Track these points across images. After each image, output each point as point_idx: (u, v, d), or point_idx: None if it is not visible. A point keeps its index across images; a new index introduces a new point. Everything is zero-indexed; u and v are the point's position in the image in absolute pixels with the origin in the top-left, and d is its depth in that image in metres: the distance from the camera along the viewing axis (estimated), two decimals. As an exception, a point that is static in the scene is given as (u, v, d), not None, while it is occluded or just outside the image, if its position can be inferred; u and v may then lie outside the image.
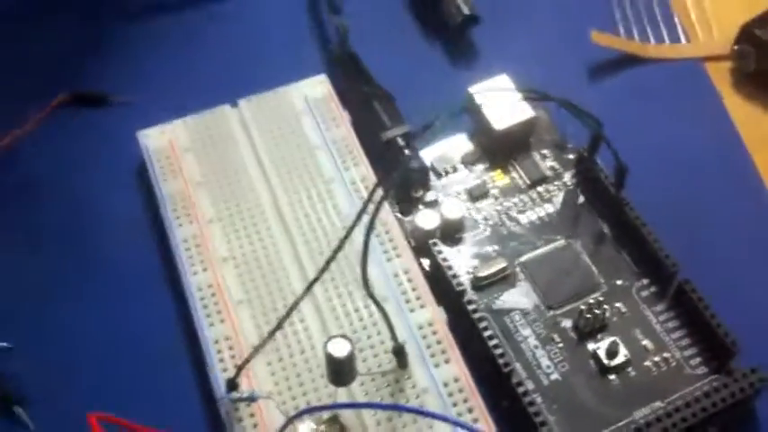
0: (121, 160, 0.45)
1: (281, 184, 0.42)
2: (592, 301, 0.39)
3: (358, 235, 0.35)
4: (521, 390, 0.36)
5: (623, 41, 0.49)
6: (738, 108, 0.47)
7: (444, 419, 0.34)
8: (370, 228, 0.32)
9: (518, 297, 0.40)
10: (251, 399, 0.35)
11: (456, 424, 0.34)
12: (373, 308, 0.38)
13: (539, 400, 0.37)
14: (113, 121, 0.46)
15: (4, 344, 0.39)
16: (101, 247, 0.42)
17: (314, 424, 0.35)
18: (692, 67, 0.49)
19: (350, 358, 0.33)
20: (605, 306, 0.39)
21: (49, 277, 0.41)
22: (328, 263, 0.33)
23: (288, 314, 0.34)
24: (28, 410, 0.37)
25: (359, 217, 0.33)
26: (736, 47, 0.48)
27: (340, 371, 0.34)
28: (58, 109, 0.46)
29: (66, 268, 0.42)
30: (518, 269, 0.41)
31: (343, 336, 0.33)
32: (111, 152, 0.45)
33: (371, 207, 0.32)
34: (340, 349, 0.33)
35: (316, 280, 0.34)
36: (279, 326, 0.34)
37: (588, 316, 0.38)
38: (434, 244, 0.40)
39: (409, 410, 0.35)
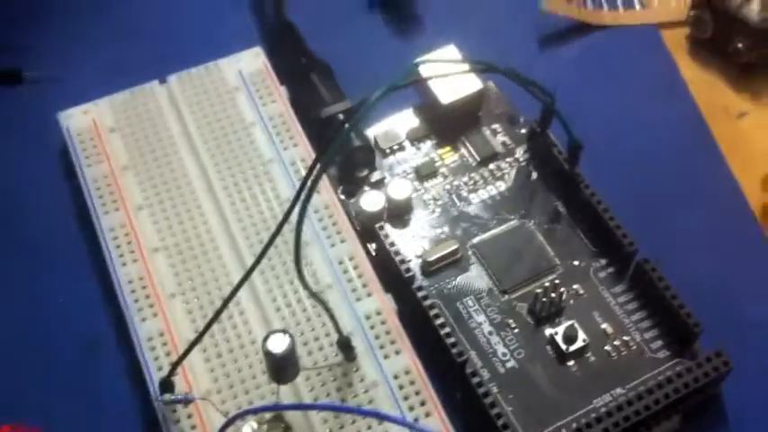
0: (41, 143, 0.42)
1: (214, 167, 0.39)
2: (547, 283, 0.37)
3: (296, 219, 0.32)
4: (475, 380, 0.34)
5: (576, 9, 0.47)
6: (695, 75, 0.45)
7: (395, 422, 0.31)
8: (304, 204, 0.29)
9: (470, 281, 0.38)
10: (186, 400, 0.32)
11: (405, 425, 0.32)
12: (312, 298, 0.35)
13: (495, 389, 0.35)
14: (30, 101, 0.43)
15: None
16: (21, 236, 0.40)
17: (255, 424, 0.32)
18: (647, 34, 0.47)
19: (290, 354, 0.31)
20: (562, 288, 0.37)
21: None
22: (265, 250, 0.31)
23: (224, 305, 0.31)
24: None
25: (297, 197, 0.30)
26: (692, 12, 0.46)
27: (281, 367, 0.31)
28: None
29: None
30: (470, 251, 0.39)
31: (283, 330, 0.31)
32: (30, 134, 0.42)
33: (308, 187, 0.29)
34: (279, 345, 0.30)
35: (253, 268, 0.31)
36: (215, 318, 0.32)
37: (544, 299, 0.37)
38: (381, 227, 0.38)
39: (352, 411, 0.32)
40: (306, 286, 0.31)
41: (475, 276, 0.38)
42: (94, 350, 0.36)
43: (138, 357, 0.35)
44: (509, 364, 0.36)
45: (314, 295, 0.32)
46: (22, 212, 0.40)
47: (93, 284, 0.38)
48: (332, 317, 0.33)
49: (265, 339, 0.30)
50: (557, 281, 0.37)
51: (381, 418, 0.32)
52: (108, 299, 0.37)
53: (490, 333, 0.36)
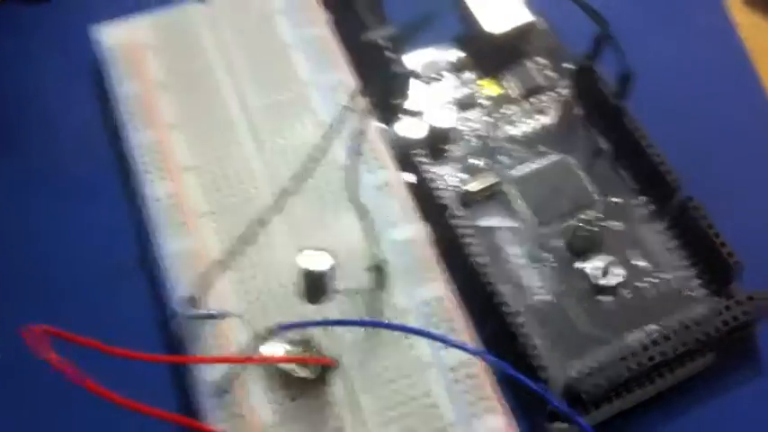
0: (74, 59, 0.41)
1: (251, 88, 0.39)
2: (586, 217, 0.36)
3: (335, 145, 0.32)
4: (508, 310, 0.33)
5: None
6: (743, 16, 0.44)
7: (428, 335, 0.31)
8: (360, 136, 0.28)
9: (508, 213, 0.37)
10: (213, 316, 0.32)
11: (438, 339, 0.31)
12: (349, 222, 0.35)
13: (526, 322, 0.34)
14: (64, 16, 0.42)
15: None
16: (50, 153, 0.39)
17: (286, 345, 0.32)
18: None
19: (329, 273, 0.30)
20: (601, 224, 0.36)
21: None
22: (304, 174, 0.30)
23: (258, 226, 0.31)
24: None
25: (337, 126, 0.29)
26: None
27: (316, 287, 0.31)
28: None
29: (13, 174, 0.39)
30: (509, 184, 0.38)
31: (323, 249, 0.30)
32: (62, 50, 0.41)
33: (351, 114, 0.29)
34: (319, 263, 0.30)
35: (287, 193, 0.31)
36: (245, 239, 0.31)
37: (582, 233, 0.36)
38: (419, 156, 0.37)
39: (391, 327, 0.32)
40: (356, 203, 0.30)
41: (513, 209, 0.37)
42: (122, 271, 0.36)
43: (165, 276, 0.34)
44: (543, 297, 0.35)
45: (361, 214, 0.31)
46: (55, 132, 0.40)
47: (124, 204, 0.37)
48: (372, 238, 0.32)
49: (303, 256, 0.30)
50: (596, 215, 0.36)
51: (411, 332, 0.31)
52: (138, 219, 0.37)
53: (525, 266, 0.36)
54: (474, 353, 0.31)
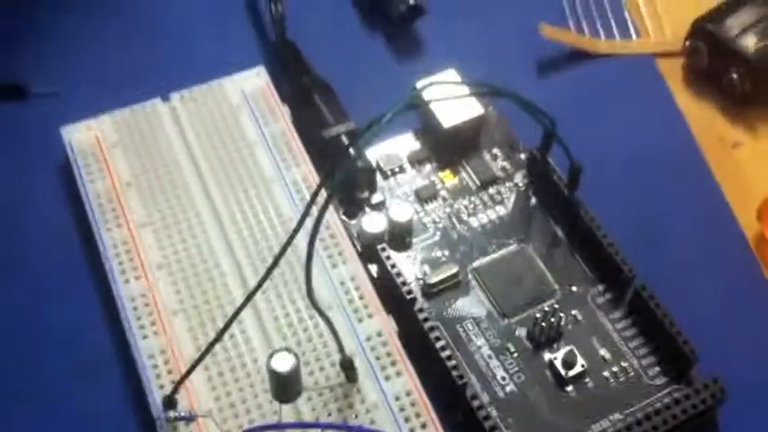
0: (43, 158, 0.42)
1: (217, 185, 0.39)
2: (547, 308, 0.37)
3: (301, 240, 0.32)
4: (476, 403, 0.34)
5: (573, 36, 0.47)
6: (690, 105, 0.46)
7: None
8: (315, 232, 0.29)
9: (470, 304, 0.38)
10: (190, 418, 0.32)
11: None
12: (318, 319, 0.36)
13: (494, 413, 0.35)
14: (33, 116, 0.43)
15: None
16: (22, 250, 0.39)
17: (258, 446, 0.32)
18: (643, 64, 0.47)
19: (294, 373, 0.31)
20: (561, 314, 0.37)
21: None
22: (269, 270, 0.31)
23: (228, 325, 0.31)
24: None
25: (302, 220, 0.30)
26: (687, 42, 0.46)
27: (284, 386, 0.31)
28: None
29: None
30: (470, 275, 0.39)
31: (287, 349, 0.31)
32: (32, 149, 0.42)
33: (315, 209, 0.30)
34: (284, 363, 0.30)
35: (257, 288, 0.31)
36: (218, 338, 0.32)
37: (543, 324, 0.37)
38: (382, 249, 0.38)
39: (356, 430, 0.32)
40: (315, 305, 0.31)
41: (475, 300, 0.38)
42: (94, 369, 0.36)
43: (139, 375, 0.34)
44: (508, 388, 0.36)
45: (321, 314, 0.32)
46: (23, 228, 0.40)
47: (95, 302, 0.38)
48: (336, 336, 0.33)
49: (270, 357, 0.30)
50: (556, 306, 0.37)
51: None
52: (109, 317, 0.37)
53: (489, 357, 0.37)
54: None
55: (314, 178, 0.40)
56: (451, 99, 0.39)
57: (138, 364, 0.35)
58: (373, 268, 0.39)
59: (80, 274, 0.39)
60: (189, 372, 0.32)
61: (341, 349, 0.33)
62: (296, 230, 0.30)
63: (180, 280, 0.37)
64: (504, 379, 0.36)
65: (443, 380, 0.35)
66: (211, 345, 0.32)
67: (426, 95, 0.40)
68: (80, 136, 0.41)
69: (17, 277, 0.39)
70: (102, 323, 0.37)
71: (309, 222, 0.30)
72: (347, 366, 0.34)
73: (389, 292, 0.37)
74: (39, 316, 0.38)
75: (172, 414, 0.32)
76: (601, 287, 0.39)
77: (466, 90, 0.42)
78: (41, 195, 0.41)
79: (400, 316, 0.37)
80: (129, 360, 0.35)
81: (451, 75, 0.42)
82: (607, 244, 0.38)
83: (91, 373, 0.36)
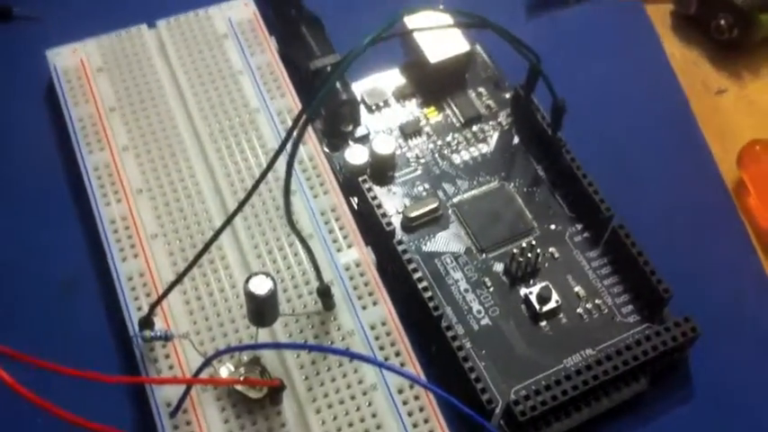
0: (28, 81, 0.41)
1: (200, 112, 0.39)
2: (524, 244, 0.38)
3: (281, 169, 0.32)
4: (450, 334, 0.35)
5: (563, -23, 0.47)
6: (677, 50, 0.46)
7: (370, 361, 0.32)
8: (293, 153, 0.29)
9: (449, 239, 0.38)
10: (165, 338, 0.32)
11: (381, 366, 0.33)
12: (297, 246, 0.36)
13: (468, 345, 0.35)
14: (18, 38, 0.43)
15: None
16: (5, 173, 0.39)
17: (233, 366, 0.33)
18: (631, 8, 0.47)
19: (271, 297, 0.31)
20: (538, 250, 0.37)
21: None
22: (249, 195, 0.31)
23: (206, 248, 0.31)
24: None
25: (282, 146, 0.30)
26: (676, -12, 0.46)
27: (261, 310, 0.31)
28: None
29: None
30: (450, 210, 0.39)
31: (266, 273, 0.31)
32: (16, 71, 0.42)
33: (295, 135, 0.30)
34: (261, 287, 0.31)
35: (236, 212, 0.31)
36: (196, 260, 0.32)
37: (520, 259, 0.37)
38: (364, 181, 0.38)
39: (332, 352, 0.33)
40: (294, 230, 0.31)
41: (454, 235, 0.38)
42: (73, 290, 0.36)
43: (117, 297, 0.35)
44: (483, 322, 0.36)
45: (300, 238, 0.32)
46: (6, 151, 0.40)
47: (76, 224, 0.38)
48: (315, 264, 0.33)
49: (247, 280, 0.31)
50: (533, 242, 0.38)
51: (355, 357, 0.33)
52: (90, 239, 0.37)
53: (466, 290, 0.37)
54: (411, 377, 0.32)
55: (298, 109, 0.40)
56: (435, 29, 0.39)
57: (117, 285, 0.35)
58: (354, 201, 0.39)
59: (62, 197, 0.39)
60: (166, 292, 0.32)
61: (319, 276, 0.34)
62: (276, 155, 0.30)
63: (161, 204, 0.37)
64: (479, 312, 0.37)
65: (419, 312, 0.35)
66: (189, 267, 0.32)
67: (413, 30, 0.40)
68: (65, 59, 0.40)
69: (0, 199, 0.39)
70: (83, 245, 0.37)
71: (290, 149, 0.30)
72: (324, 293, 0.34)
73: (369, 224, 0.38)
74: (21, 237, 0.38)
75: (148, 333, 0.32)
76: (579, 226, 0.39)
77: (454, 22, 0.41)
78: (25, 118, 0.41)
79: (379, 248, 0.37)
80: (109, 282, 0.35)
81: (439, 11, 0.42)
82: (587, 183, 0.38)
83: (70, 293, 0.36)
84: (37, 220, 0.38)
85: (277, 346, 0.33)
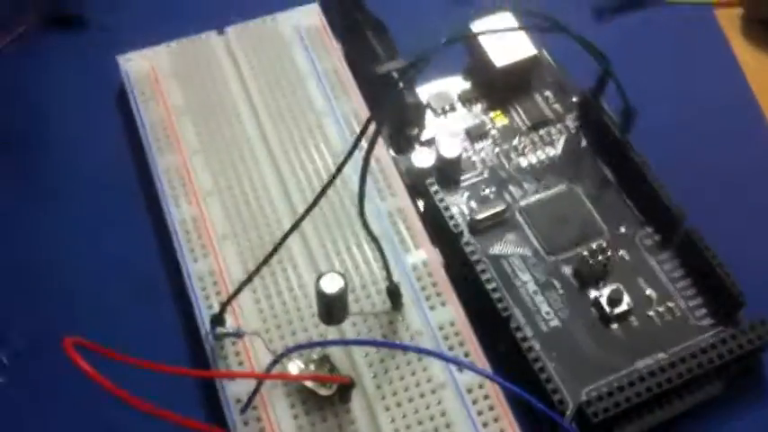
0: (99, 86, 0.42)
1: (269, 116, 0.40)
2: (594, 247, 0.37)
3: (349, 172, 0.33)
4: (519, 335, 0.34)
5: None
6: (747, 54, 0.45)
7: (441, 357, 0.32)
8: (368, 156, 0.29)
9: (517, 242, 0.38)
10: (237, 334, 0.33)
11: (453, 361, 0.33)
12: (365, 247, 0.36)
13: (537, 346, 0.35)
14: (90, 45, 0.44)
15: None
16: (78, 177, 0.40)
17: (302, 363, 0.33)
18: (701, 13, 0.47)
19: (342, 295, 0.31)
20: (608, 253, 0.37)
21: (23, 204, 0.39)
22: (319, 197, 0.31)
23: (276, 248, 0.32)
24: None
25: (351, 151, 0.30)
26: (747, -8, 0.46)
27: (331, 308, 0.32)
28: (31, 33, 0.44)
29: (38, 195, 0.40)
30: (517, 213, 0.39)
31: (336, 271, 0.31)
32: (88, 77, 0.43)
33: (364, 142, 0.30)
34: (332, 285, 0.31)
35: (306, 214, 0.31)
36: (266, 260, 0.32)
37: (590, 262, 0.37)
38: (431, 183, 0.38)
39: (403, 348, 0.33)
40: (366, 227, 0.31)
41: (521, 238, 0.38)
42: (145, 291, 0.37)
43: (189, 297, 0.35)
44: (552, 323, 0.36)
45: (373, 238, 0.32)
46: (80, 156, 0.41)
47: (148, 226, 0.38)
48: (385, 262, 0.33)
49: (318, 279, 0.31)
50: (603, 245, 0.37)
51: (425, 353, 0.32)
52: (161, 240, 0.38)
53: (535, 292, 0.37)
54: (487, 375, 0.32)
55: (364, 113, 0.40)
56: (500, 32, 0.39)
57: (188, 285, 0.35)
58: (421, 204, 0.39)
59: (134, 200, 0.39)
60: (237, 290, 0.32)
61: (388, 275, 0.34)
62: (345, 159, 0.30)
63: (231, 206, 0.37)
64: (548, 314, 0.36)
65: (487, 313, 0.35)
66: (260, 266, 0.32)
67: (479, 34, 0.40)
68: (136, 65, 0.41)
69: (73, 204, 0.39)
70: (155, 247, 0.38)
71: (358, 155, 0.30)
72: (393, 293, 0.34)
73: (436, 226, 0.38)
74: (95, 241, 0.38)
75: (220, 330, 0.33)
76: (649, 229, 0.38)
77: (519, 32, 0.41)
78: (97, 123, 0.41)
79: (446, 250, 0.37)
80: (181, 283, 0.36)
81: (507, 17, 0.42)
82: (658, 186, 0.38)
83: (144, 295, 0.37)
84: (109, 223, 0.39)
85: (348, 342, 0.33)
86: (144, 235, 0.38)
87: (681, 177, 0.39)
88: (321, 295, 0.31)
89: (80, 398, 0.32)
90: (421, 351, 0.33)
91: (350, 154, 0.30)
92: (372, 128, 0.30)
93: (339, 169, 0.30)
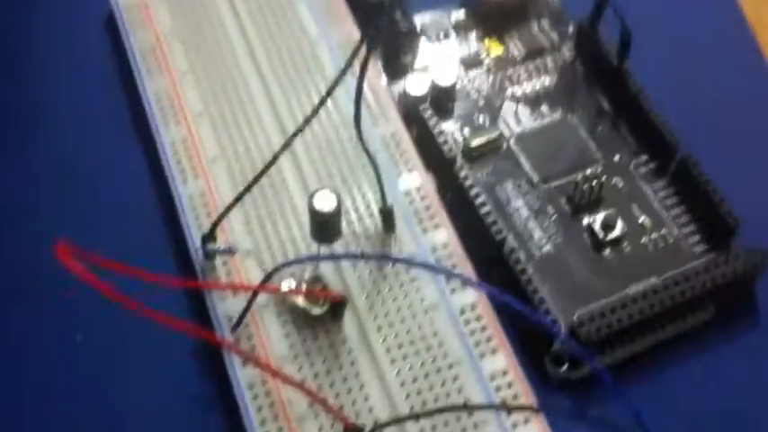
0: (86, 10, 0.41)
1: (259, 39, 0.39)
2: (588, 173, 0.37)
3: (343, 98, 0.34)
4: (513, 257, 0.34)
5: None
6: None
7: (432, 269, 0.32)
8: (364, 68, 0.29)
9: (510, 169, 0.38)
10: (229, 251, 0.32)
11: (443, 272, 0.33)
12: (358, 171, 0.36)
13: (530, 270, 0.35)
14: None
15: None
16: (67, 100, 0.39)
17: (295, 282, 0.32)
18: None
19: (336, 213, 0.31)
20: (603, 178, 0.37)
21: (9, 130, 0.39)
22: (311, 117, 0.30)
23: (268, 166, 0.31)
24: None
25: (344, 70, 0.29)
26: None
27: (325, 227, 0.31)
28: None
29: (34, 123, 0.39)
30: (512, 141, 0.39)
31: (330, 189, 0.31)
32: (78, 3, 0.42)
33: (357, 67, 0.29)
34: (326, 203, 0.30)
35: (298, 132, 0.31)
36: (258, 178, 0.31)
37: (584, 188, 0.36)
38: (424, 109, 0.38)
39: (398, 261, 0.33)
40: (363, 145, 0.31)
41: (515, 165, 0.38)
42: (133, 211, 0.36)
43: (178, 218, 0.35)
44: (545, 249, 0.36)
45: (369, 156, 0.31)
46: (67, 81, 0.40)
47: (138, 151, 0.38)
48: (380, 182, 0.32)
49: (312, 196, 0.30)
50: (598, 172, 0.37)
51: (418, 266, 0.33)
52: (150, 162, 0.37)
53: (527, 218, 0.36)
54: (477, 286, 0.32)
55: (359, 39, 0.39)
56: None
57: (178, 206, 0.35)
58: (414, 132, 0.38)
59: (124, 122, 0.39)
60: (229, 208, 0.32)
61: (382, 197, 0.33)
62: (338, 78, 0.29)
63: (221, 128, 0.37)
64: (541, 240, 0.36)
65: (481, 239, 0.35)
66: (251, 183, 0.32)
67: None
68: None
69: (63, 126, 0.39)
70: (145, 169, 0.37)
71: (351, 81, 0.30)
72: (387, 215, 0.34)
73: (430, 153, 0.37)
74: (84, 163, 0.38)
75: (212, 247, 0.32)
76: (644, 157, 0.38)
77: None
78: (86, 47, 0.41)
79: (440, 177, 0.37)
80: (170, 204, 0.35)
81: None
82: (654, 114, 0.38)
83: (133, 215, 0.36)
84: (97, 147, 0.38)
85: (340, 257, 0.33)
86: (134, 159, 0.38)
87: (676, 108, 0.38)
88: (314, 213, 0.31)
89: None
90: (411, 264, 0.32)
91: (343, 72, 0.29)
92: (364, 50, 0.29)
93: (331, 89, 0.30)
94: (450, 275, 0.32)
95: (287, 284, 0.32)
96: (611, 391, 0.31)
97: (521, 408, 0.31)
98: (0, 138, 0.38)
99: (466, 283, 0.32)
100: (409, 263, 0.32)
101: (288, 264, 0.31)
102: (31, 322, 0.34)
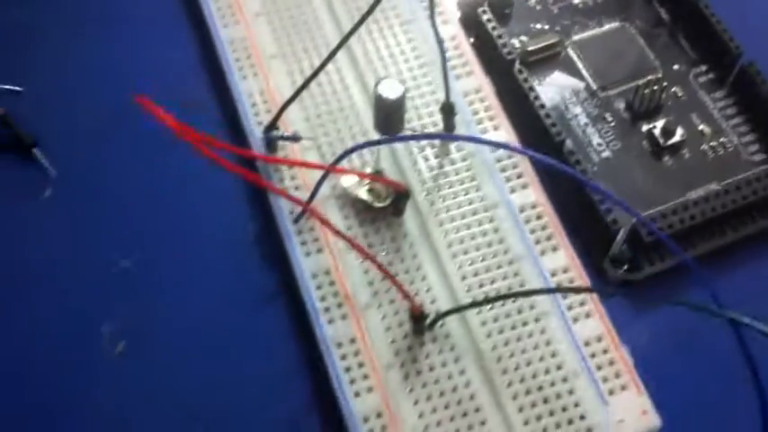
0: None
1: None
2: (647, 81, 0.37)
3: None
4: (572, 158, 0.34)
5: None
6: None
7: (491, 143, 0.33)
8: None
9: (568, 75, 0.37)
10: (294, 138, 0.32)
11: (494, 144, 0.33)
12: (415, 69, 0.35)
13: (590, 170, 0.35)
14: None
15: (14, 87, 0.36)
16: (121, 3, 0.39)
17: (356, 177, 0.32)
18: None
19: (401, 101, 0.30)
20: (663, 84, 0.36)
21: (78, 33, 0.38)
22: (369, 12, 0.30)
23: (327, 60, 0.31)
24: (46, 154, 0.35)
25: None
26: None
27: (389, 116, 0.31)
28: None
29: (95, 24, 0.39)
30: (569, 48, 0.38)
31: (396, 79, 0.30)
32: None
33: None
34: (392, 90, 0.30)
35: (355, 29, 0.31)
36: (317, 72, 0.31)
37: (644, 94, 0.36)
38: (483, 12, 0.37)
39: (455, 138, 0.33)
40: (435, 29, 0.31)
41: (573, 72, 0.37)
42: (193, 109, 0.36)
43: (238, 115, 0.35)
44: (604, 154, 0.35)
45: (439, 41, 0.31)
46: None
47: (195, 48, 0.38)
48: (445, 74, 0.32)
49: (377, 84, 0.30)
50: (657, 79, 0.37)
51: (477, 142, 0.33)
52: (208, 60, 0.37)
53: (586, 124, 0.36)
54: (522, 152, 0.32)
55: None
56: None
57: (238, 102, 0.35)
58: (472, 36, 0.38)
59: (180, 22, 0.38)
60: (291, 100, 0.32)
61: (446, 89, 0.33)
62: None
63: (279, 27, 0.36)
64: (600, 145, 0.36)
65: (538, 142, 0.35)
66: (312, 76, 0.32)
67: None
68: None
69: (123, 30, 0.39)
70: (203, 67, 0.37)
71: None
72: (447, 111, 0.34)
73: (488, 57, 0.37)
74: (141, 63, 0.37)
75: (275, 133, 0.32)
76: (704, 67, 0.38)
77: None
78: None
79: (498, 81, 0.36)
80: (229, 101, 0.35)
81: None
82: (715, 22, 0.37)
83: (190, 113, 0.36)
84: (156, 45, 0.38)
85: (408, 138, 0.33)
86: (190, 56, 0.37)
87: (736, 15, 0.38)
88: (380, 100, 0.30)
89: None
90: (470, 139, 0.33)
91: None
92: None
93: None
94: (497, 146, 0.33)
95: (349, 179, 0.32)
96: (671, 291, 0.31)
97: (585, 289, 0.31)
98: (67, 45, 0.38)
99: (515, 150, 0.32)
100: (469, 140, 0.32)
101: (358, 147, 0.30)
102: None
